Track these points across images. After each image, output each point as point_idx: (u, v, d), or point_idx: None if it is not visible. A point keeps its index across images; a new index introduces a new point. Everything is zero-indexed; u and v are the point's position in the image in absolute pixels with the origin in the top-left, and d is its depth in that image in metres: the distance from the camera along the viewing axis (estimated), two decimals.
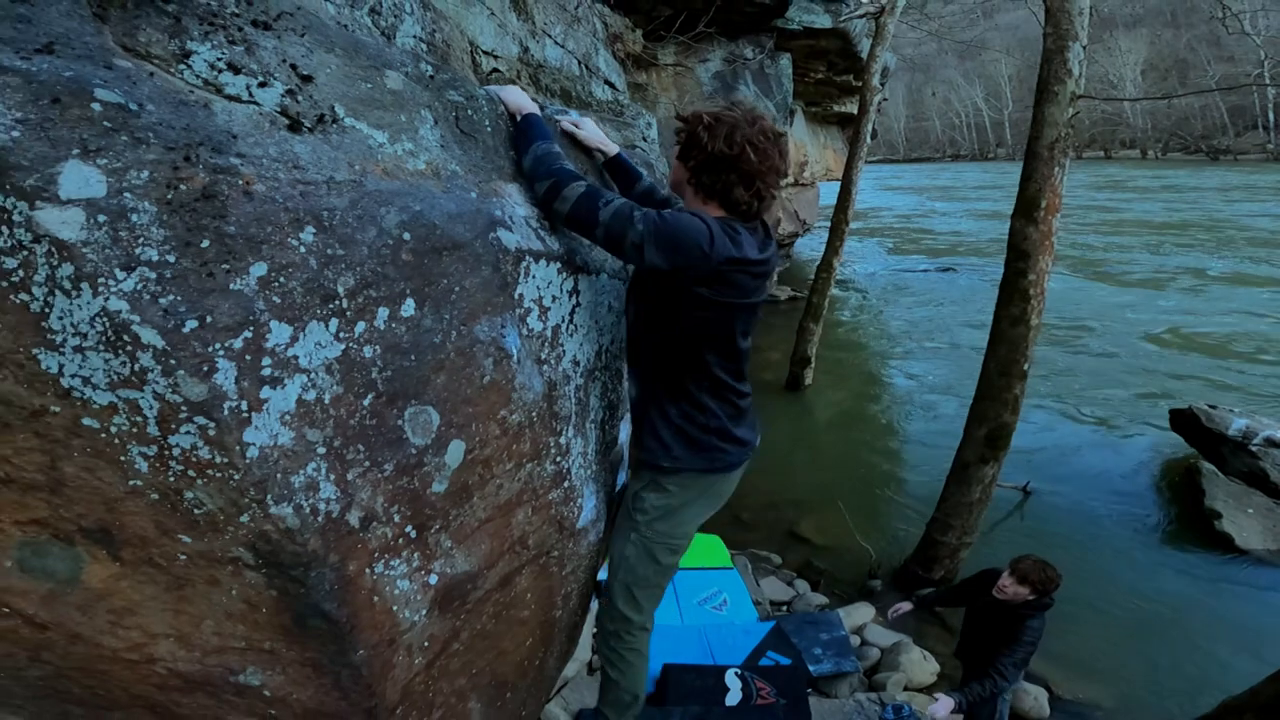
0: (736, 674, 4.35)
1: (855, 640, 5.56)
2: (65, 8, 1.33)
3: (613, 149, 2.59)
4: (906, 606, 4.74)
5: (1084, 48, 5.86)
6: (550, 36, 5.24)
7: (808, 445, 9.72)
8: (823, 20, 12.20)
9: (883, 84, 12.94)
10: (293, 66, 1.56)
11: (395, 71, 1.85)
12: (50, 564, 1.39)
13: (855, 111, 12.90)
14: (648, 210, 2.05)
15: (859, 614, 5.94)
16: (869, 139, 11.92)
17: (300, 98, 1.54)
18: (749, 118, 2.18)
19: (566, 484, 2.29)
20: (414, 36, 3.40)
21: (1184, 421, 8.49)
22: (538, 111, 2.27)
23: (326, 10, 2.72)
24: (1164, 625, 5.99)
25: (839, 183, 12.00)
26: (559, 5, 5.50)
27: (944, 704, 3.84)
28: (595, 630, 2.68)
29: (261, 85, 1.48)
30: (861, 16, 12.76)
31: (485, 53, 4.29)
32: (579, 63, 5.80)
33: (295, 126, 1.50)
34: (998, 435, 6.23)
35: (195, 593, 1.44)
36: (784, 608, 6.14)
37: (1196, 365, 11.81)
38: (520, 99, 2.26)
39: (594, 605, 3.44)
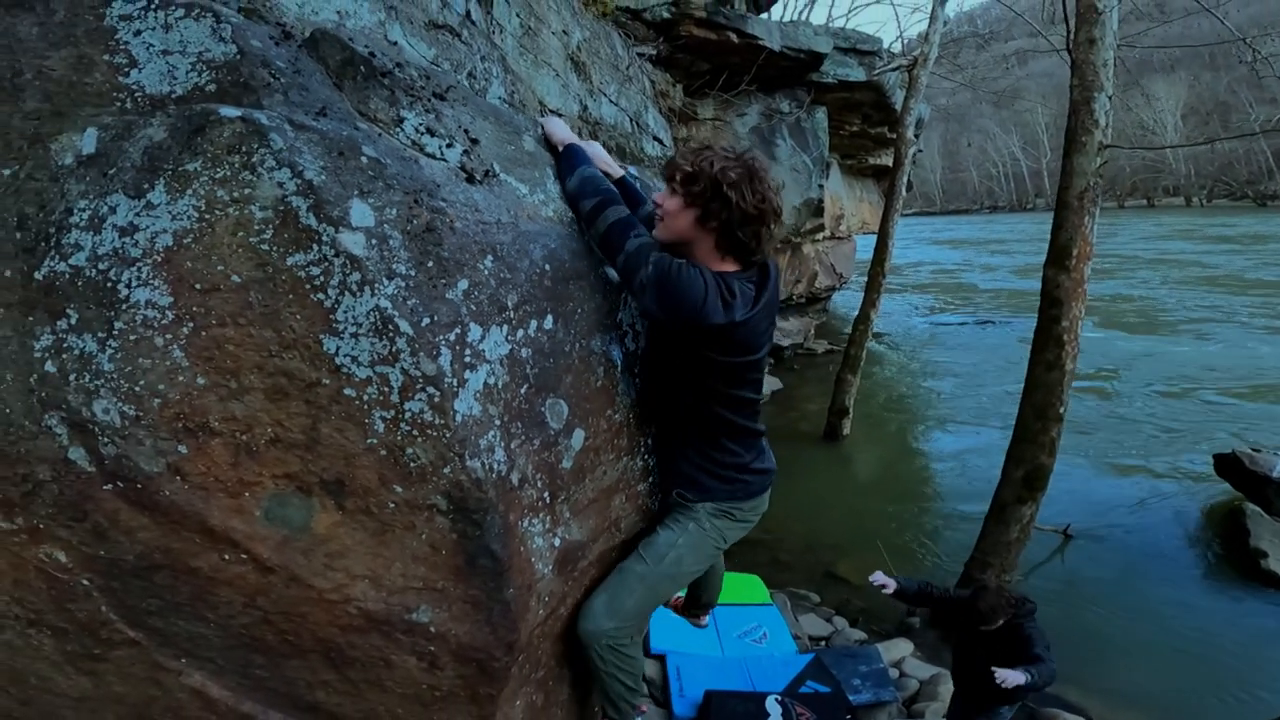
0: (777, 700, 4.64)
1: (894, 673, 5.83)
2: (320, 79, 1.91)
3: (618, 172, 2.72)
4: (890, 585, 5.02)
5: (1110, 98, 6.32)
6: (605, 95, 5.88)
7: (845, 492, 10.12)
8: (857, 73, 12.77)
9: (917, 135, 13.48)
10: (465, 131, 2.13)
11: (528, 136, 2.44)
12: (289, 513, 1.91)
13: (890, 163, 13.44)
14: (664, 255, 2.21)
15: (898, 649, 6.23)
16: (905, 191, 12.46)
17: (472, 156, 2.10)
18: (750, 162, 2.30)
19: (651, 479, 2.78)
20: (499, 98, 4.00)
21: (1228, 465, 8.82)
22: (578, 143, 2.55)
23: None
24: (1209, 659, 6.22)
25: (875, 236, 12.55)
26: (612, 65, 6.15)
27: (1015, 675, 4.09)
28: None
29: (449, 146, 2.05)
30: (895, 69, 13.36)
31: (552, 111, 4.91)
32: (631, 120, 6.43)
33: (471, 179, 2.06)
34: (1035, 476, 6.63)
35: (393, 537, 1.95)
36: (823, 642, 6.45)
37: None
38: (563, 131, 2.57)
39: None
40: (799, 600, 7.12)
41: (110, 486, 1.86)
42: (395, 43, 2.82)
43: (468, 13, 3.95)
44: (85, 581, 2.06)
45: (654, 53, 8.78)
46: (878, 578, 4.89)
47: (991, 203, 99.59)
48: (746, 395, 2.52)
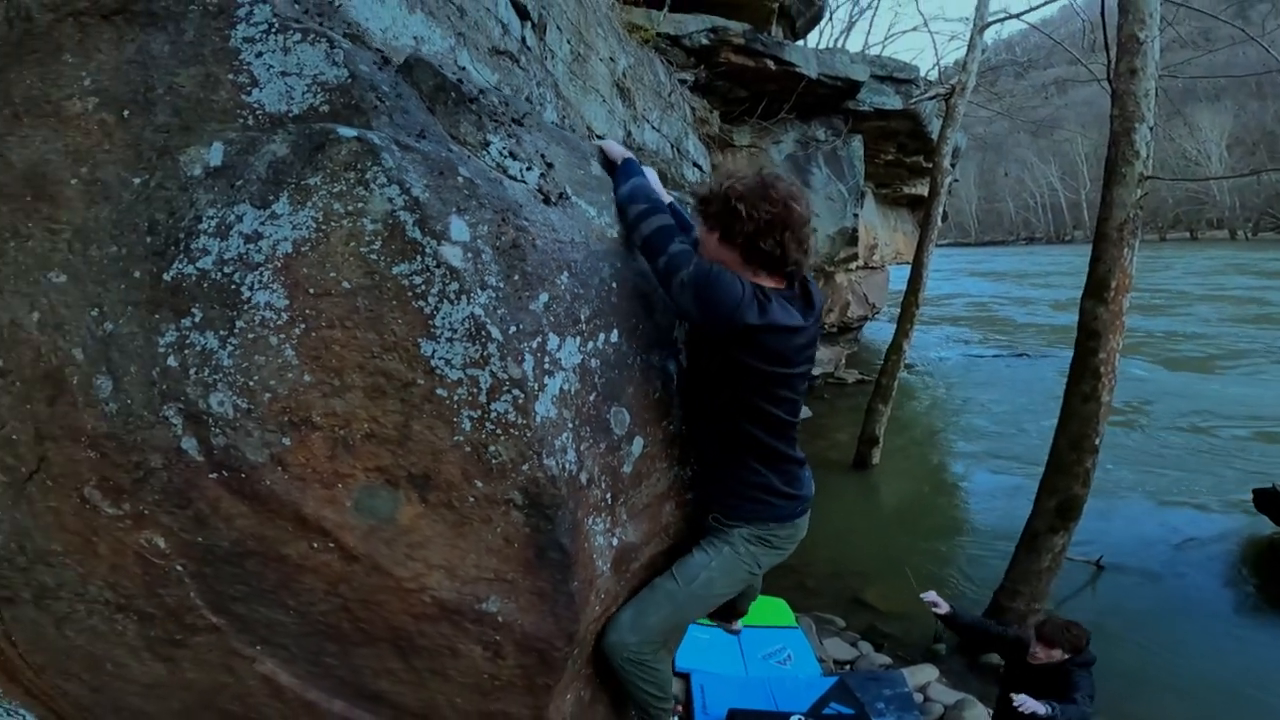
0: None
1: (919, 697, 5.92)
2: (416, 103, 2.13)
3: (667, 198, 2.82)
4: (943, 606, 5.13)
5: (1151, 128, 6.43)
6: (648, 121, 6.11)
7: (873, 520, 10.27)
8: (893, 102, 12.98)
9: (953, 165, 13.66)
10: (542, 155, 2.34)
11: (595, 161, 2.65)
12: (377, 504, 2.09)
13: (925, 193, 13.58)
14: (704, 259, 2.35)
15: (923, 674, 6.35)
16: (940, 221, 12.63)
17: (548, 179, 2.31)
18: (768, 177, 2.42)
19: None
20: (552, 122, 4.22)
21: (1268, 500, 8.84)
22: (634, 158, 2.77)
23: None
24: (1244, 695, 6.29)
25: (909, 266, 12.73)
26: (655, 91, 6.38)
27: (1035, 704, 4.07)
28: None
29: (528, 169, 2.26)
30: (932, 98, 13.57)
31: (598, 136, 5.14)
32: (672, 146, 6.67)
33: (547, 200, 2.26)
34: (1068, 506, 6.74)
35: (470, 530, 2.13)
36: (847, 666, 6.59)
37: None
38: (619, 148, 2.81)
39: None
40: (824, 624, 7.27)
41: (215, 475, 2.06)
42: (464, 68, 3.04)
43: (523, 39, 4.19)
44: (179, 567, 2.25)
45: (692, 79, 9.05)
46: (930, 596, 5.00)
47: (1028, 234, 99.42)
48: (780, 415, 2.56)
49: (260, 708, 2.53)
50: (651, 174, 2.85)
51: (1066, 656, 4.45)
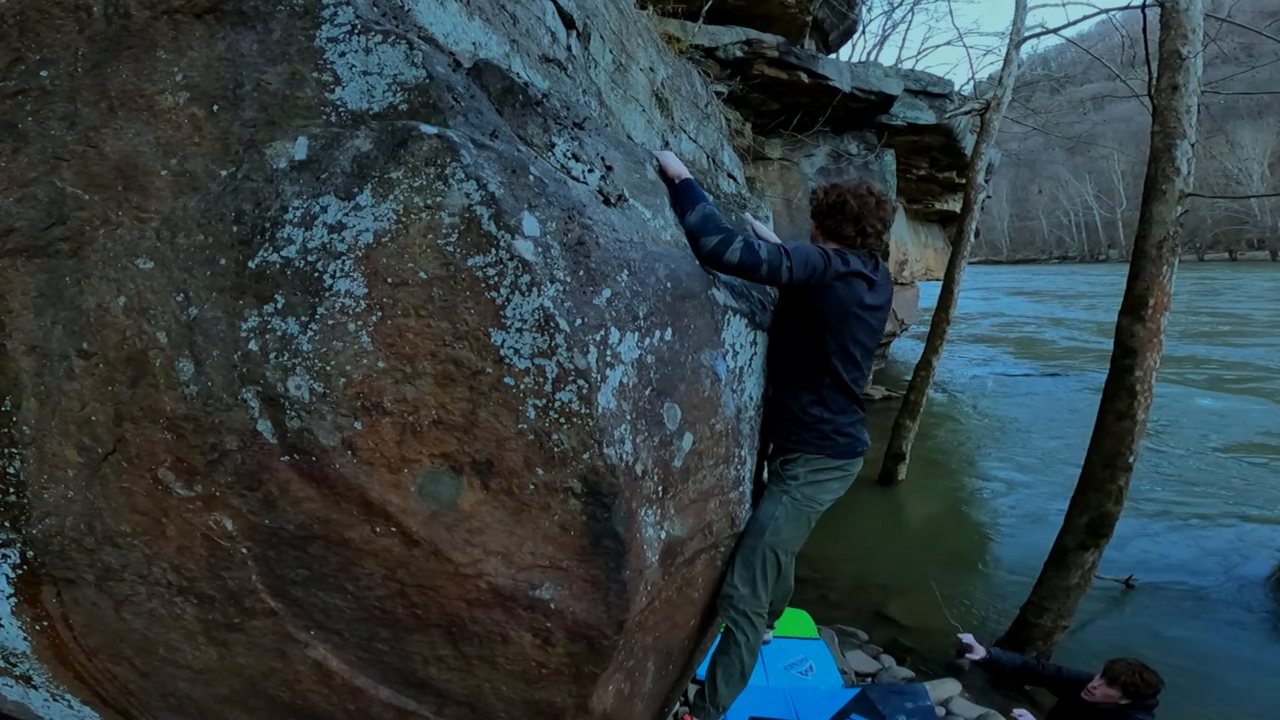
0: None
1: (941, 711, 5.95)
2: (486, 105, 2.26)
3: (776, 241, 3.46)
4: (978, 651, 5.16)
5: (1192, 145, 6.45)
6: (685, 132, 6.24)
7: (899, 535, 10.30)
8: (927, 116, 13.06)
9: (987, 181, 13.67)
10: (602, 158, 2.47)
11: (649, 166, 2.78)
12: (440, 490, 2.21)
13: (957, 209, 13.63)
14: (783, 244, 2.90)
15: (945, 688, 6.35)
16: (972, 238, 12.69)
17: (608, 182, 2.44)
18: (853, 182, 3.24)
19: (741, 488, 3.09)
20: None
21: None
22: (692, 178, 3.02)
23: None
24: None
25: (939, 283, 12.78)
26: (692, 102, 6.52)
27: None
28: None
29: (589, 171, 2.39)
30: (966, 113, 13.62)
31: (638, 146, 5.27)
32: (708, 157, 6.79)
33: (607, 201, 2.39)
34: (1100, 524, 6.74)
35: (528, 517, 2.24)
36: (869, 679, 6.63)
37: None
38: (678, 165, 3.03)
39: None
40: (846, 637, 7.32)
41: (287, 458, 2.19)
42: (518, 74, 3.17)
43: (569, 47, 4.33)
44: (244, 549, 2.37)
45: (726, 91, 9.19)
46: (967, 638, 5.04)
47: (1061, 253, 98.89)
48: (857, 355, 3.13)
49: (307, 694, 2.63)
50: (760, 225, 3.60)
51: (1124, 701, 4.45)
